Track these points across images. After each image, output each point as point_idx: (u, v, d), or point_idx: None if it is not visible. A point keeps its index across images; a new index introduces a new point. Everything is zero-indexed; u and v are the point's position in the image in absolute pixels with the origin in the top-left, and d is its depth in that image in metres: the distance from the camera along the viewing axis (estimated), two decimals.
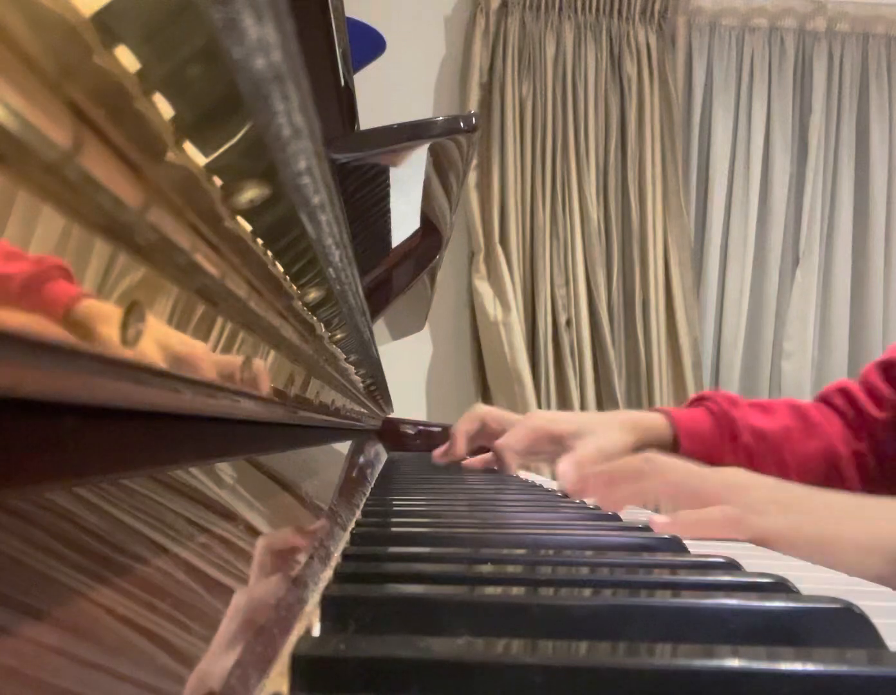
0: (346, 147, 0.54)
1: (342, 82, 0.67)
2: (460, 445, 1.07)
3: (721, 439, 0.93)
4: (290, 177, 0.19)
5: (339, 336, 0.44)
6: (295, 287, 0.29)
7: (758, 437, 0.93)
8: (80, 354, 0.15)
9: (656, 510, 0.71)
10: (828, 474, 0.92)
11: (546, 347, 2.55)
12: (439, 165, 0.72)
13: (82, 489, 0.19)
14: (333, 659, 0.20)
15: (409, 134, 0.59)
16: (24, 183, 0.12)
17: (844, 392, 0.96)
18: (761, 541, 0.49)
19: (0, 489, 0.16)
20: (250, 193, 0.19)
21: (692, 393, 2.58)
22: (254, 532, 0.29)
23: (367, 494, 0.66)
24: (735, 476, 0.58)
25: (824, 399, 0.98)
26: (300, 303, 0.31)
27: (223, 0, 0.13)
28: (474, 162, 2.54)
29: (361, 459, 0.92)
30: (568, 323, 2.57)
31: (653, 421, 0.94)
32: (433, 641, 0.21)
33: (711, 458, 0.87)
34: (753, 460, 0.91)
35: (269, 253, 0.24)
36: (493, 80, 2.59)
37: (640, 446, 0.89)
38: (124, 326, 0.17)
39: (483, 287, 2.55)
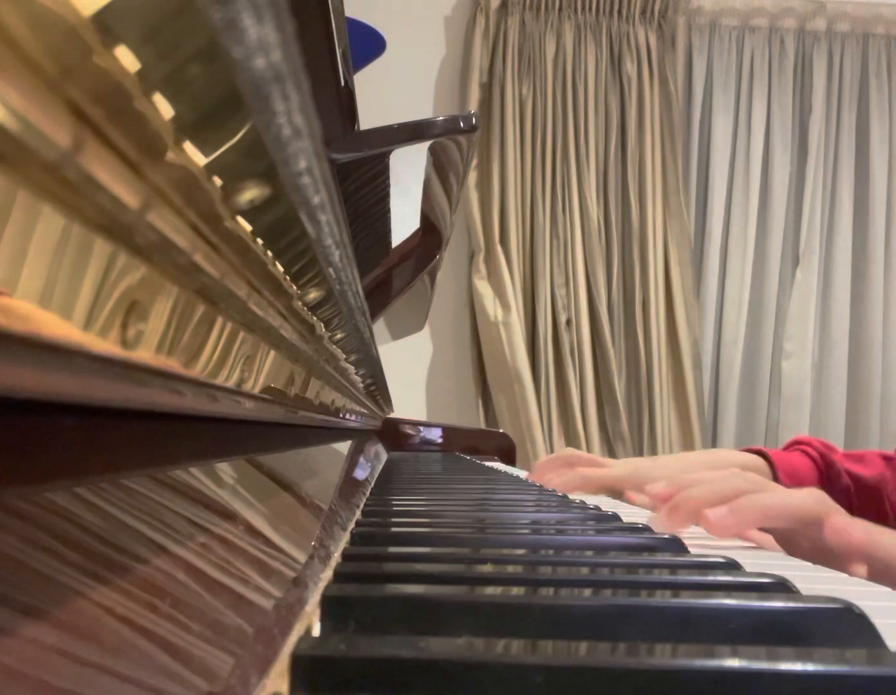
0: (346, 147, 0.54)
1: (342, 82, 0.67)
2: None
3: (821, 481, 0.92)
4: (290, 177, 0.19)
5: (339, 336, 0.44)
6: (295, 287, 0.29)
7: (856, 482, 0.94)
8: (80, 354, 0.15)
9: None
10: None
11: (546, 347, 2.55)
12: (439, 165, 0.72)
13: (82, 489, 0.19)
14: (333, 659, 0.20)
15: (409, 134, 0.59)
16: (24, 183, 0.12)
17: None
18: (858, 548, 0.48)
19: (0, 489, 0.16)
20: (250, 193, 0.19)
21: (692, 393, 2.59)
22: (254, 532, 0.29)
23: (367, 494, 0.66)
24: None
25: None
26: (300, 303, 0.31)
27: (223, 0, 0.13)
28: (474, 162, 2.55)
29: (361, 459, 0.92)
30: (568, 323, 2.57)
31: (752, 461, 0.94)
32: (433, 641, 0.21)
33: None
34: (852, 504, 0.90)
35: (269, 253, 0.24)
36: (493, 80, 2.59)
37: None
38: (124, 326, 0.17)
39: (483, 287, 2.56)
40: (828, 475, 0.93)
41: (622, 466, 0.99)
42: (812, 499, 0.51)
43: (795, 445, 0.99)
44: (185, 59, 0.14)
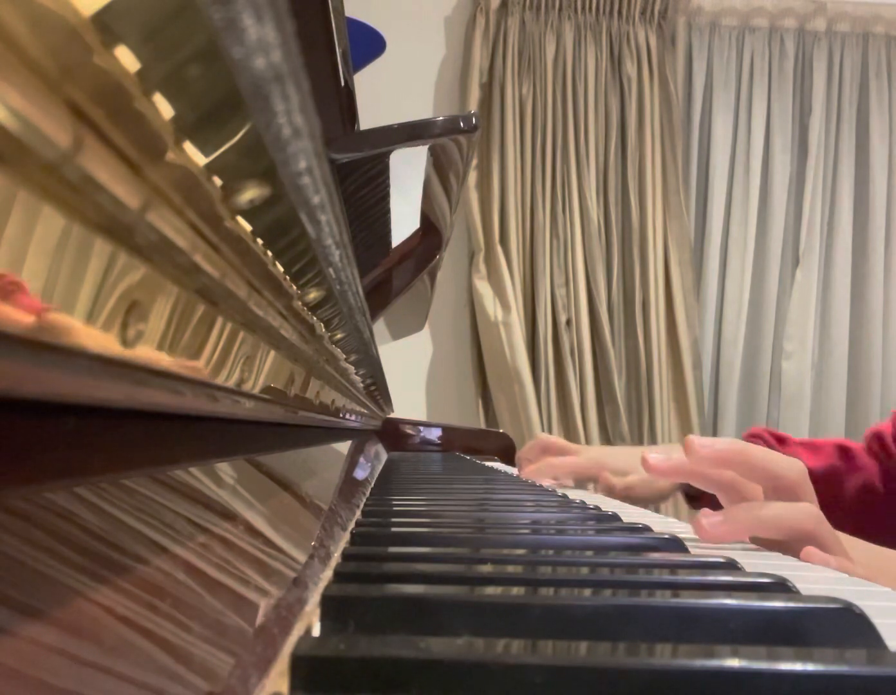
0: (346, 147, 0.54)
1: (342, 82, 0.67)
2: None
3: None
4: (290, 177, 0.19)
5: (339, 336, 0.44)
6: (295, 287, 0.29)
7: None
8: (80, 354, 0.15)
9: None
10: (862, 510, 0.93)
11: (546, 347, 2.55)
12: (439, 165, 0.72)
13: (82, 489, 0.19)
14: (333, 659, 0.20)
15: (409, 134, 0.59)
16: (24, 183, 0.12)
17: (878, 436, 0.99)
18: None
19: (0, 489, 0.16)
20: (250, 193, 0.19)
21: (692, 393, 2.59)
22: (254, 532, 0.29)
23: (367, 494, 0.66)
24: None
25: (866, 440, 1.01)
26: (300, 303, 0.31)
27: (223, 0, 0.13)
28: (474, 162, 2.54)
29: (361, 459, 0.92)
30: (568, 323, 2.57)
31: None
32: (433, 641, 0.21)
33: None
34: None
35: (269, 253, 0.24)
36: (493, 80, 2.59)
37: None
38: (124, 326, 0.17)
39: (483, 287, 2.56)
40: None
41: (587, 453, 1.07)
42: (807, 516, 0.51)
43: (749, 437, 1.02)
44: (185, 59, 0.14)
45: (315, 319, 0.35)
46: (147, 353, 0.18)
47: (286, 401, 0.40)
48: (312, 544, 0.34)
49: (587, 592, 0.27)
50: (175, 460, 0.27)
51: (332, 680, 0.20)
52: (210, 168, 0.17)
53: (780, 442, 0.99)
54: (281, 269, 0.26)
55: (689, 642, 0.23)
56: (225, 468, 0.33)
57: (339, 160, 0.53)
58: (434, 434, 1.59)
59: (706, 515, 0.51)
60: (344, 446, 0.85)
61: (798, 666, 0.20)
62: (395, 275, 0.95)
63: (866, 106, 2.75)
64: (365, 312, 0.48)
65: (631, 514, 0.66)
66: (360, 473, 0.79)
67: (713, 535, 0.51)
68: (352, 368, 0.58)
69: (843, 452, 0.99)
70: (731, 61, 2.73)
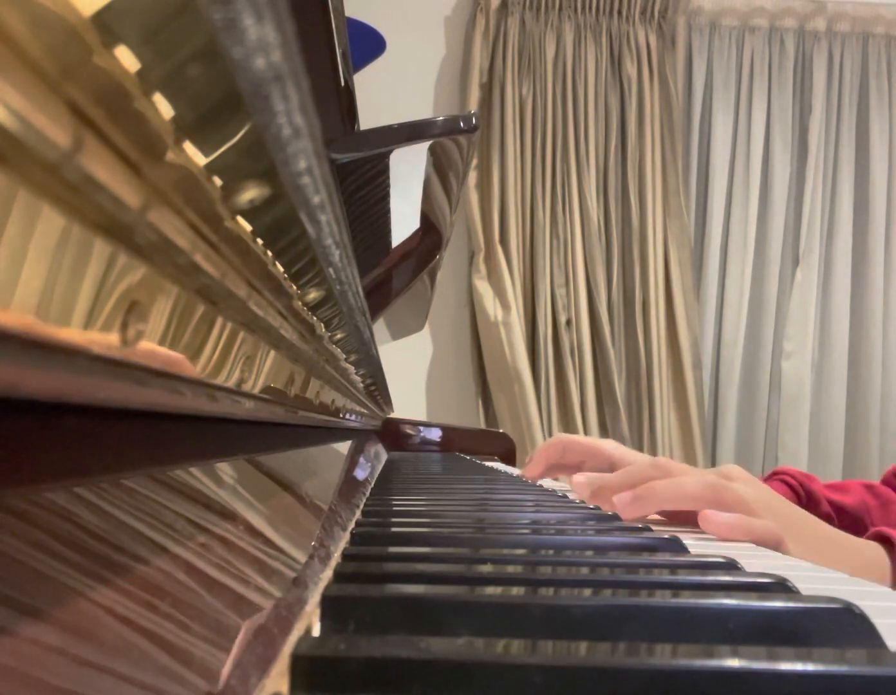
0: (346, 147, 0.54)
1: (342, 82, 0.67)
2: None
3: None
4: (290, 177, 0.19)
5: (339, 336, 0.44)
6: (295, 287, 0.29)
7: (837, 510, 0.96)
8: (80, 354, 0.15)
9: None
10: None
11: (546, 347, 2.55)
12: (439, 165, 0.72)
13: (82, 489, 0.19)
14: (333, 659, 0.20)
15: (409, 134, 0.59)
16: (24, 183, 0.12)
17: None
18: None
19: (0, 489, 0.16)
20: (250, 193, 0.19)
21: (692, 393, 2.59)
22: (254, 532, 0.29)
23: (367, 494, 0.66)
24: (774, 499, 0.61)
25: (887, 483, 1.01)
26: (300, 303, 0.31)
27: (223, 0, 0.13)
28: (474, 162, 2.55)
29: (361, 459, 0.92)
30: (568, 323, 2.57)
31: None
32: (433, 641, 0.21)
33: None
34: None
35: (269, 253, 0.24)
36: (493, 80, 2.59)
37: None
38: (124, 325, 0.17)
39: (483, 287, 2.56)
40: (808, 503, 0.96)
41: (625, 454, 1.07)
42: (701, 483, 0.58)
43: (776, 475, 1.02)
44: (185, 59, 0.14)
45: (315, 319, 0.35)
46: (147, 353, 0.18)
47: (286, 401, 0.40)
48: (312, 544, 0.34)
49: (587, 592, 0.27)
50: (175, 460, 0.27)
51: (332, 680, 0.20)
52: (210, 168, 0.17)
53: (808, 478, 1.00)
54: (281, 269, 0.26)
55: (689, 642, 0.23)
56: (225, 468, 0.33)
57: (339, 160, 0.53)
58: (434, 434, 1.59)
59: (617, 496, 0.60)
60: (344, 446, 0.85)
61: (798, 666, 0.20)
62: (395, 275, 0.95)
63: (866, 106, 2.75)
64: (365, 312, 0.48)
65: None
66: (360, 473, 0.79)
67: (624, 510, 0.59)
68: (352, 368, 0.58)
69: (870, 488, 1.00)
70: (731, 61, 2.73)
